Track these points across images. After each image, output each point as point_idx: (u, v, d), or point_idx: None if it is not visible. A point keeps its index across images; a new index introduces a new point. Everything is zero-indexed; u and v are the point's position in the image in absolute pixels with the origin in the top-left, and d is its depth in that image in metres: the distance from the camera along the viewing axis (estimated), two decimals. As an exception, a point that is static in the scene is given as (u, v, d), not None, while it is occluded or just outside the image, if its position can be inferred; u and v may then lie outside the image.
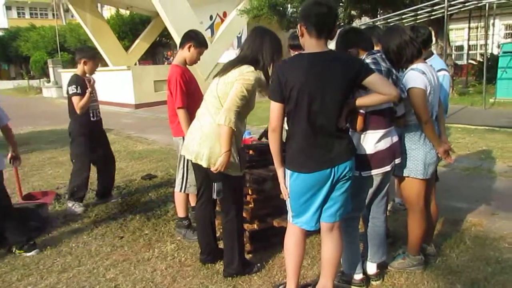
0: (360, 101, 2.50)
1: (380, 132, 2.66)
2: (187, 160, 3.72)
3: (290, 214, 2.61)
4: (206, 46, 3.75)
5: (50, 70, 25.12)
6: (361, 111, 2.57)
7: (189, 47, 3.64)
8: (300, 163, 2.45)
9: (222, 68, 2.98)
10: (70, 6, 20.85)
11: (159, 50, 31.36)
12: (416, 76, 2.77)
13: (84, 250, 3.70)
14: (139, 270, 3.30)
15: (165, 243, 3.77)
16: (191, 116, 3.49)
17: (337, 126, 2.42)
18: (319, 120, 2.38)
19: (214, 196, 2.99)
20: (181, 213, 3.93)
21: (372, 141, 2.66)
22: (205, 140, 2.90)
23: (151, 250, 3.64)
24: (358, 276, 2.89)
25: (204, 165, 2.91)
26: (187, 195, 3.92)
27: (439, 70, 3.33)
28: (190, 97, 3.61)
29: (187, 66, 3.75)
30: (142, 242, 3.80)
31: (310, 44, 2.42)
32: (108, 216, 4.45)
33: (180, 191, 3.84)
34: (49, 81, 25.47)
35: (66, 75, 21.66)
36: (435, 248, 3.32)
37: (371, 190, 2.81)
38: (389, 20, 11.35)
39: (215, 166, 2.83)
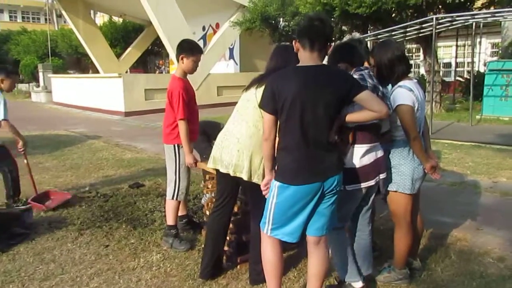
0: (350, 116, 2.52)
1: (365, 147, 2.69)
2: (179, 167, 3.78)
3: (268, 227, 2.55)
4: (199, 52, 3.77)
5: (40, 74, 24.99)
6: (350, 125, 2.60)
7: (182, 58, 3.68)
8: (292, 175, 2.44)
9: (258, 78, 2.96)
10: (63, 12, 20.84)
11: (150, 58, 31.39)
12: (404, 93, 2.81)
13: (68, 258, 3.65)
14: (123, 280, 3.27)
15: (150, 252, 3.74)
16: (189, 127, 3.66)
17: (328, 139, 2.44)
18: (311, 132, 2.39)
19: None
20: (170, 221, 3.88)
21: (357, 156, 2.68)
22: (244, 152, 2.90)
23: (136, 259, 3.61)
24: (357, 285, 2.89)
25: (245, 177, 2.89)
26: (179, 202, 3.92)
27: None
28: (189, 108, 3.70)
29: (187, 77, 3.82)
30: (128, 251, 3.77)
31: (303, 58, 2.46)
32: (94, 224, 4.40)
33: (172, 198, 3.84)
34: (38, 86, 25.30)
35: (56, 80, 21.62)
36: (421, 262, 3.34)
37: (355, 204, 2.83)
38: (379, 36, 11.51)
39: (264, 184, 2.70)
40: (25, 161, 5.17)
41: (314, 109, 2.37)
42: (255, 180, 2.89)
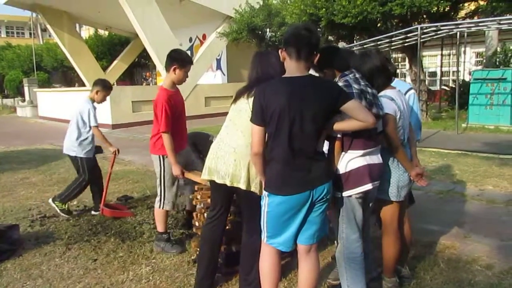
0: (337, 125, 2.52)
1: (357, 153, 2.66)
2: (164, 178, 3.84)
3: (264, 235, 2.61)
4: (190, 63, 3.81)
5: (26, 89, 24.78)
6: (338, 135, 2.61)
7: (174, 69, 3.71)
8: (279, 185, 2.47)
9: (242, 90, 2.94)
10: (48, 26, 20.71)
11: (137, 70, 31.33)
12: (386, 103, 2.81)
13: (56, 273, 3.60)
14: (112, 294, 3.24)
15: (140, 265, 3.71)
16: (176, 138, 3.70)
17: (316, 149, 2.46)
18: (299, 143, 2.41)
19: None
20: (160, 228, 4.00)
21: (348, 161, 2.66)
22: (241, 162, 2.86)
23: (125, 273, 3.58)
24: None
25: (243, 187, 2.85)
26: (167, 211, 4.00)
27: (408, 90, 3.43)
28: (176, 120, 3.73)
29: (177, 87, 3.87)
30: (116, 265, 3.73)
31: (290, 67, 2.48)
32: (82, 238, 4.35)
33: (159, 207, 3.94)
34: (23, 100, 25.06)
35: (42, 94, 21.44)
36: (410, 271, 3.35)
37: (358, 211, 2.76)
38: (365, 46, 11.63)
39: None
40: (110, 169, 5.32)
41: (302, 121, 2.38)
42: (253, 188, 2.86)
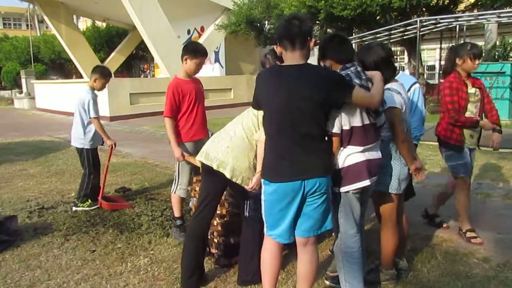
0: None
1: (355, 149, 2.62)
2: (178, 163, 3.94)
3: (265, 225, 2.63)
4: (202, 55, 3.87)
5: (23, 81, 24.68)
6: (336, 132, 2.58)
7: (185, 60, 3.85)
8: (270, 173, 2.50)
9: None
10: (45, 17, 20.64)
11: (135, 62, 31.23)
12: (393, 96, 2.81)
13: (54, 264, 3.61)
14: (110, 285, 3.24)
15: (138, 257, 3.71)
16: (191, 126, 3.92)
17: (310, 139, 2.42)
18: (287, 132, 2.42)
19: (246, 214, 3.05)
20: (175, 213, 4.14)
21: (346, 157, 2.63)
22: (233, 150, 2.90)
23: (123, 264, 3.58)
24: None
25: (228, 175, 2.88)
26: (180, 197, 4.08)
27: (413, 84, 3.43)
28: (189, 108, 3.89)
29: (194, 77, 4.01)
30: (115, 256, 3.73)
31: (286, 58, 2.49)
32: (80, 230, 4.35)
33: (172, 192, 4.08)
34: (21, 92, 24.96)
35: (39, 86, 21.36)
36: (407, 263, 3.37)
37: (356, 207, 2.74)
38: (364, 39, 11.62)
39: (251, 185, 2.87)
40: (107, 162, 5.38)
41: (290, 110, 2.38)
42: (238, 181, 2.90)
